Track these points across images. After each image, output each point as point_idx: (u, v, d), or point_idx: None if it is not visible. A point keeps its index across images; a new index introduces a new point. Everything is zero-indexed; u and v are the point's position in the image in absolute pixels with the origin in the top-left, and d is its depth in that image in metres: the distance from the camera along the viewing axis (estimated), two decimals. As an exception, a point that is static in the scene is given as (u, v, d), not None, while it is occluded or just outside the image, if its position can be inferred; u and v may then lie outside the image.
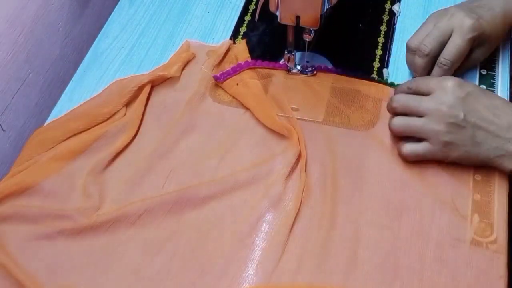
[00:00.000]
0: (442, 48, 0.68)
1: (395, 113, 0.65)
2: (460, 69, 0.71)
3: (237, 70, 0.74)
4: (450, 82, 0.62)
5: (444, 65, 0.68)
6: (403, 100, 0.64)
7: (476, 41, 0.68)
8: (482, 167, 0.64)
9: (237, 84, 0.73)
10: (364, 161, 0.66)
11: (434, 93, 0.62)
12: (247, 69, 0.75)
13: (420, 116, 0.63)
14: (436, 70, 0.69)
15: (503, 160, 0.61)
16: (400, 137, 0.66)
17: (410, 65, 0.72)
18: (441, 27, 0.68)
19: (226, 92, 0.74)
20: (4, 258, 0.60)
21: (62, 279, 0.59)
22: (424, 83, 0.64)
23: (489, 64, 0.75)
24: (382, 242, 0.60)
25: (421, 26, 0.71)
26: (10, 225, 0.63)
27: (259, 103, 0.71)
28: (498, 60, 0.75)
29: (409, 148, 0.64)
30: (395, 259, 0.59)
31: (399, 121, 0.64)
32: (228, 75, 0.74)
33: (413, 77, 0.71)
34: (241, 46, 0.78)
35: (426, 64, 0.69)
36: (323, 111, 0.71)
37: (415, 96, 0.64)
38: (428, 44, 0.68)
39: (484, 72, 0.74)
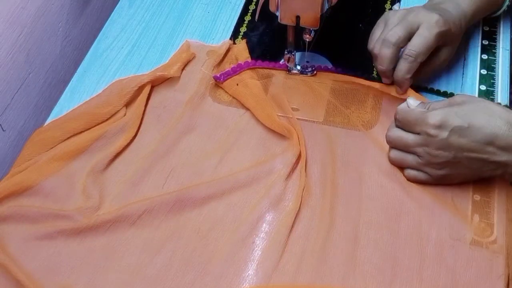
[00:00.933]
0: (407, 40, 0.66)
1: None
2: (428, 72, 0.69)
3: (237, 70, 0.74)
4: (430, 124, 0.59)
5: (410, 56, 0.65)
6: (394, 137, 0.64)
7: (443, 38, 0.67)
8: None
9: (237, 84, 0.73)
10: (364, 161, 0.66)
11: (420, 134, 0.61)
12: (247, 69, 0.75)
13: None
14: (401, 62, 0.67)
15: (505, 176, 0.61)
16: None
17: (377, 62, 0.68)
18: (408, 20, 0.66)
19: (226, 92, 0.74)
20: (4, 258, 0.60)
21: (62, 279, 0.59)
22: (408, 123, 0.62)
23: (489, 64, 0.75)
24: (381, 242, 0.60)
25: (381, 26, 0.69)
26: (10, 225, 0.63)
27: (259, 103, 0.71)
28: (498, 60, 0.75)
29: (412, 175, 0.64)
30: (395, 259, 0.59)
31: (394, 154, 0.64)
32: (228, 75, 0.74)
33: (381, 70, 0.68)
34: (241, 46, 0.78)
35: (393, 54, 0.66)
36: (323, 111, 0.71)
37: (405, 134, 0.62)
38: (395, 33, 0.65)
39: (484, 72, 0.74)
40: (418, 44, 0.65)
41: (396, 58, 0.67)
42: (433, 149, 0.60)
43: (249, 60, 0.76)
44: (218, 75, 0.74)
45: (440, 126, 0.59)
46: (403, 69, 0.66)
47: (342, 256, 0.60)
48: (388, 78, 0.69)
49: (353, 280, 0.58)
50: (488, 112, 0.59)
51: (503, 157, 0.58)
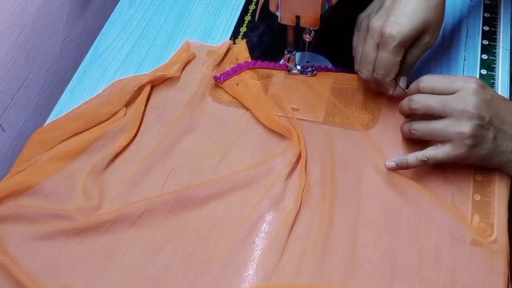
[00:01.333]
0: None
1: (413, 114, 0.63)
2: (414, 59, 0.67)
3: (237, 70, 0.74)
4: (474, 84, 0.60)
5: (379, 78, 0.66)
6: (425, 100, 0.61)
7: (405, 42, 0.64)
8: (483, 167, 0.64)
9: (237, 84, 0.73)
10: (364, 161, 0.66)
11: (458, 93, 0.60)
12: (247, 69, 0.75)
13: (443, 117, 0.60)
14: (379, 85, 0.67)
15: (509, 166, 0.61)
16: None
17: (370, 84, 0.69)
18: (367, 49, 0.66)
19: (226, 92, 0.74)
20: (4, 258, 0.60)
21: (62, 279, 0.59)
22: (445, 83, 0.61)
23: (489, 64, 0.75)
24: (381, 242, 0.60)
25: (353, 38, 0.70)
26: (10, 225, 0.63)
27: (259, 103, 0.71)
28: (498, 60, 0.75)
29: (430, 154, 0.61)
30: (394, 259, 0.59)
31: (421, 125, 0.62)
32: (228, 75, 0.74)
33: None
34: (241, 46, 0.78)
35: (371, 74, 0.67)
36: (323, 111, 0.71)
37: (437, 96, 0.61)
38: (364, 71, 0.67)
39: (484, 72, 0.74)
40: (380, 67, 0.65)
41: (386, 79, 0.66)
42: (471, 106, 0.58)
43: (249, 60, 0.76)
44: (218, 75, 0.74)
45: (484, 87, 0.60)
46: (383, 89, 0.67)
47: (341, 256, 0.60)
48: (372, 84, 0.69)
49: (353, 280, 0.58)
50: None
51: None
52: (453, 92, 0.60)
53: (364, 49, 0.66)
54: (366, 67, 0.67)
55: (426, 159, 0.62)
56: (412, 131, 0.63)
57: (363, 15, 0.69)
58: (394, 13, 0.64)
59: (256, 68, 0.75)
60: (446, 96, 0.60)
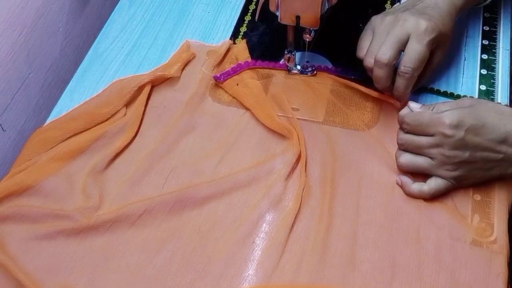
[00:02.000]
0: (398, 57, 0.65)
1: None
2: (423, 76, 0.68)
3: (237, 70, 0.74)
4: (446, 125, 0.59)
5: (406, 73, 0.64)
6: (405, 139, 0.63)
7: (435, 43, 0.66)
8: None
9: (237, 84, 0.73)
10: (364, 161, 0.66)
11: (434, 136, 0.60)
12: (247, 69, 0.75)
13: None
14: (398, 80, 0.65)
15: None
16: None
17: (374, 81, 0.67)
18: (396, 34, 0.64)
19: (226, 92, 0.74)
20: (4, 258, 0.60)
21: (62, 279, 0.59)
22: (420, 126, 0.61)
23: (489, 64, 0.75)
24: (380, 242, 0.60)
25: (369, 35, 0.68)
26: (10, 225, 0.63)
27: (259, 103, 0.71)
28: (498, 60, 0.75)
29: (419, 187, 0.63)
30: (394, 259, 0.59)
31: (405, 158, 0.63)
32: (228, 75, 0.74)
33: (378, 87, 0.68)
34: (241, 46, 0.78)
35: (387, 74, 0.65)
36: (323, 111, 0.71)
37: (417, 137, 0.62)
38: (386, 52, 0.64)
39: (484, 72, 0.74)
40: (412, 59, 0.64)
41: (391, 75, 0.66)
42: (448, 149, 0.60)
43: (249, 60, 0.76)
44: (218, 75, 0.74)
45: (456, 126, 0.59)
46: (401, 86, 0.65)
47: (341, 256, 0.59)
48: (388, 91, 0.68)
49: (353, 280, 0.58)
50: (499, 112, 0.60)
51: None
52: (430, 134, 0.61)
53: (389, 40, 0.65)
54: (385, 56, 0.65)
55: (426, 189, 0.63)
56: (399, 163, 0.64)
57: (381, 15, 0.69)
58: (428, 13, 0.66)
59: (256, 68, 0.75)
60: (423, 138, 0.61)
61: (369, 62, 0.66)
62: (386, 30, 0.66)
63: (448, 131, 0.59)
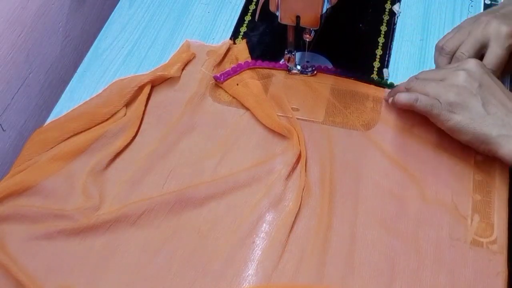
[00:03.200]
0: (477, 57, 0.67)
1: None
2: (500, 77, 0.68)
3: (237, 70, 0.74)
4: (469, 64, 0.62)
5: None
6: (420, 80, 0.65)
7: None
8: (483, 167, 0.64)
9: (237, 84, 0.73)
10: (364, 162, 0.66)
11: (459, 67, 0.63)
12: (247, 69, 0.75)
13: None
14: None
15: (506, 141, 0.59)
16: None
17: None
18: (477, 36, 0.67)
19: (226, 92, 0.74)
20: (4, 258, 0.60)
21: (62, 279, 0.59)
22: (434, 72, 0.65)
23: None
24: (380, 242, 0.60)
25: (455, 31, 0.71)
26: (10, 225, 0.63)
27: (259, 103, 0.71)
28: (498, 60, 0.75)
29: (416, 96, 0.63)
30: (394, 259, 0.59)
31: (419, 82, 0.64)
32: (228, 75, 0.74)
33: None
34: (241, 46, 0.78)
35: (446, 62, 0.69)
36: (323, 111, 0.71)
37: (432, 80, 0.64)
38: (466, 52, 0.67)
39: (484, 72, 0.74)
40: (492, 63, 0.66)
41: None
42: (461, 80, 0.61)
43: (249, 60, 0.76)
44: (218, 75, 0.74)
45: (480, 65, 0.62)
46: None
47: (341, 257, 0.60)
48: None
49: (352, 280, 0.58)
50: None
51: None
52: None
53: (469, 41, 0.68)
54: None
55: (416, 98, 0.63)
56: (408, 87, 0.65)
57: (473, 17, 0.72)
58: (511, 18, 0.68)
59: (256, 68, 0.75)
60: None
61: (443, 44, 0.70)
62: (469, 30, 0.68)
63: (471, 67, 0.62)
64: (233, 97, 0.73)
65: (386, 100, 0.70)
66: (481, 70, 0.62)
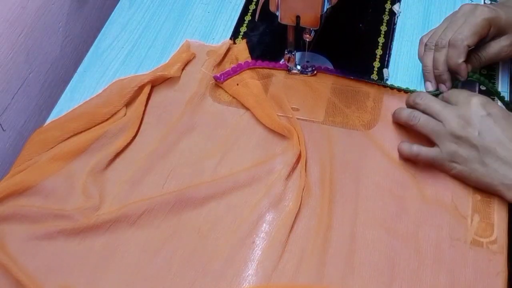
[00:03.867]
0: (476, 39, 0.67)
1: (413, 107, 0.66)
2: (484, 60, 0.69)
3: (237, 70, 0.74)
4: (476, 99, 0.62)
5: (456, 41, 0.66)
6: (428, 100, 0.65)
7: (494, 26, 0.67)
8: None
9: (237, 84, 0.73)
10: (364, 162, 0.66)
11: (458, 105, 0.63)
12: (247, 69, 0.75)
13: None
14: (450, 50, 0.67)
15: (507, 189, 0.60)
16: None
17: (428, 61, 0.71)
18: (455, 20, 0.69)
19: (226, 92, 0.74)
20: (4, 258, 0.60)
21: (62, 279, 0.59)
22: (453, 94, 0.65)
23: (489, 64, 0.75)
24: (380, 242, 0.60)
25: (439, 27, 0.72)
26: (10, 225, 0.63)
27: (259, 103, 0.71)
28: (498, 60, 0.75)
29: (418, 149, 0.64)
30: (394, 259, 0.59)
31: (422, 115, 0.65)
32: (228, 75, 0.74)
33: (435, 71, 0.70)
34: (241, 46, 0.78)
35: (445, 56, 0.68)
36: (323, 111, 0.71)
37: (440, 101, 0.65)
38: (444, 37, 0.68)
39: (484, 72, 0.74)
40: (464, 29, 0.66)
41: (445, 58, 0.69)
42: (463, 120, 0.61)
43: (249, 60, 0.76)
44: (218, 75, 0.74)
45: (484, 104, 0.62)
46: (453, 55, 0.67)
47: (341, 256, 0.60)
48: (444, 82, 0.70)
49: (352, 280, 0.58)
50: None
51: None
52: (456, 103, 0.64)
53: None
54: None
55: (417, 153, 0.64)
56: (412, 118, 0.65)
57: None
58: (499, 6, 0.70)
59: (256, 68, 0.75)
60: (447, 104, 0.64)
61: (427, 39, 0.72)
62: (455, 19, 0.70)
63: (474, 103, 0.62)
64: (233, 97, 0.73)
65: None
66: (481, 114, 0.61)
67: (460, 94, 0.65)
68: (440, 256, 0.59)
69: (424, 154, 0.64)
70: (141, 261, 0.60)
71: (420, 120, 0.65)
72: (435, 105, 0.64)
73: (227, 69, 0.75)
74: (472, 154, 0.61)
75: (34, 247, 0.61)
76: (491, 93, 0.71)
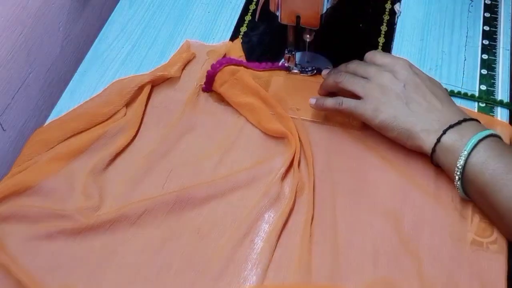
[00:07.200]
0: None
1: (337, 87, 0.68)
2: None
3: (222, 64, 0.73)
4: (403, 60, 0.66)
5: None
6: (355, 65, 0.68)
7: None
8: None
9: (234, 78, 0.72)
10: (363, 161, 0.66)
11: (384, 66, 0.66)
12: (245, 67, 0.74)
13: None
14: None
15: (427, 134, 0.61)
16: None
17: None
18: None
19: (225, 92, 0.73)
20: (4, 258, 0.60)
21: (62, 279, 0.59)
22: (379, 56, 0.67)
23: (489, 64, 0.75)
24: (381, 242, 0.60)
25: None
26: (10, 225, 0.63)
27: (252, 109, 0.70)
28: (498, 60, 0.75)
29: (339, 101, 0.66)
30: (394, 259, 0.59)
31: (348, 76, 0.66)
32: (220, 64, 0.72)
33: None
34: (236, 45, 0.78)
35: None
36: (323, 111, 0.71)
37: (366, 63, 0.68)
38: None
39: (484, 72, 0.74)
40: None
41: None
42: (387, 80, 0.64)
43: (244, 59, 0.75)
44: (204, 85, 0.73)
45: (410, 65, 0.66)
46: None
47: (341, 256, 0.59)
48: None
49: (352, 279, 0.58)
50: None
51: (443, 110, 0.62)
52: (369, 78, 0.66)
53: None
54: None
55: (340, 102, 0.66)
56: (338, 76, 0.67)
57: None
58: None
59: (256, 70, 0.75)
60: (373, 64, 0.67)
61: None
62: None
63: (397, 66, 0.65)
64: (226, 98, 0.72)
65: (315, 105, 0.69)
66: (408, 71, 0.65)
67: (386, 57, 0.67)
68: (440, 256, 0.59)
69: (347, 104, 0.65)
70: (141, 261, 0.60)
71: (346, 77, 0.66)
72: (361, 66, 0.67)
73: (219, 59, 0.73)
74: (397, 102, 0.63)
75: (34, 247, 0.61)
76: (491, 92, 0.71)
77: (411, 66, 0.66)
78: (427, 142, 0.61)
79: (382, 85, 0.64)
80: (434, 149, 0.61)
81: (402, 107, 0.63)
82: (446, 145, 0.60)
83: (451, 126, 0.61)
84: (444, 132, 0.60)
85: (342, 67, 0.69)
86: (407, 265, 0.59)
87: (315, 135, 0.69)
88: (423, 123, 0.62)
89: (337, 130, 0.69)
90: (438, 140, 0.61)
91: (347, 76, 0.67)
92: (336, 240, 0.60)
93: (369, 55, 0.69)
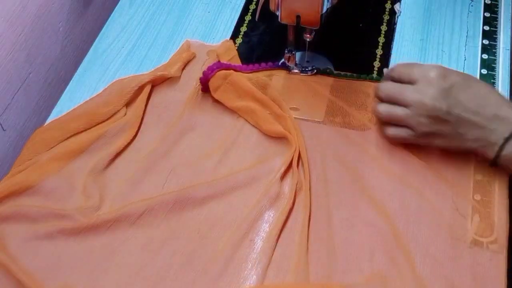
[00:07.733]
0: None
1: (381, 101, 0.66)
2: None
3: (211, 71, 0.72)
4: (434, 72, 0.61)
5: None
6: (388, 89, 0.64)
7: None
8: (483, 167, 0.64)
9: (226, 80, 0.72)
10: (363, 161, 0.66)
11: (417, 83, 0.62)
12: (233, 70, 0.73)
13: (405, 106, 0.63)
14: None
15: (486, 150, 0.61)
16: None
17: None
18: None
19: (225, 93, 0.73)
20: (4, 258, 0.60)
21: (62, 279, 0.59)
22: (406, 71, 0.63)
23: (489, 64, 0.75)
24: (381, 242, 0.60)
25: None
26: (10, 225, 0.63)
27: (250, 110, 0.70)
28: (498, 60, 0.75)
29: (393, 131, 0.65)
30: (394, 259, 0.59)
31: (383, 108, 0.65)
32: (212, 70, 0.72)
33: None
34: (225, 46, 0.77)
35: None
36: (323, 111, 0.71)
37: (399, 85, 0.64)
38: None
39: (484, 72, 0.74)
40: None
41: None
42: (428, 99, 0.60)
43: (237, 58, 0.75)
44: (206, 70, 0.72)
45: (443, 75, 0.61)
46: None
47: (341, 256, 0.59)
48: None
49: (352, 279, 0.58)
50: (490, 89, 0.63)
51: (492, 125, 0.60)
52: (414, 82, 0.62)
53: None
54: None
55: (393, 135, 0.65)
56: (376, 112, 0.66)
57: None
58: None
59: (255, 71, 0.75)
60: (407, 86, 0.63)
61: None
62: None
63: (433, 78, 0.61)
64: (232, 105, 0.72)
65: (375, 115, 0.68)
66: (444, 85, 0.61)
67: (413, 70, 0.63)
68: (440, 255, 0.59)
69: (399, 136, 0.65)
70: (141, 261, 0.60)
71: (383, 112, 0.65)
72: (395, 92, 0.63)
73: (210, 65, 0.72)
74: (446, 127, 0.61)
75: (34, 247, 0.61)
76: None
77: (445, 77, 0.61)
78: (489, 154, 0.61)
79: (424, 115, 0.61)
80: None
81: (453, 133, 0.61)
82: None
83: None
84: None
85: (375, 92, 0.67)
86: (407, 265, 0.59)
87: (314, 135, 0.69)
88: (478, 141, 0.61)
89: (337, 130, 0.69)
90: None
91: (384, 105, 0.65)
92: (332, 239, 0.60)
93: (396, 72, 0.65)
